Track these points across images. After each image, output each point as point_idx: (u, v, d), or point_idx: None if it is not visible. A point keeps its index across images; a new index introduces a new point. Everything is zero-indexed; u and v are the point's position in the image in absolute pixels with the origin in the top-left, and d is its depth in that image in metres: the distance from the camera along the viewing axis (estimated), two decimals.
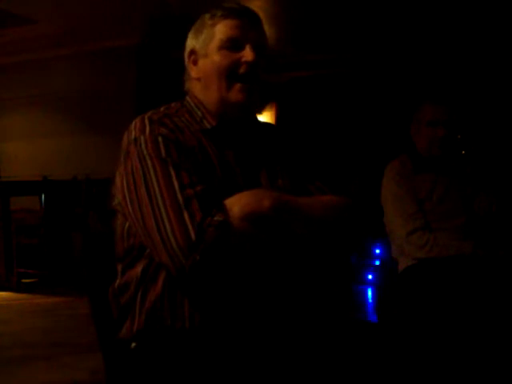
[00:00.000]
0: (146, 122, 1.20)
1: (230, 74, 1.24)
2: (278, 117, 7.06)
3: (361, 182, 6.13)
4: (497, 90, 5.73)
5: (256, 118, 1.41)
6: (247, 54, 1.24)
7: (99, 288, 1.33)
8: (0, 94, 6.61)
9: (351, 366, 1.22)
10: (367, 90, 6.34)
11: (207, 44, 1.27)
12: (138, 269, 1.20)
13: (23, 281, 5.25)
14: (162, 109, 1.29)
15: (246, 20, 1.27)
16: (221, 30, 1.26)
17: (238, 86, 1.24)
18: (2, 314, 4.33)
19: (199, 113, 1.28)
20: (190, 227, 1.06)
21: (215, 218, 1.06)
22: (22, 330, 3.75)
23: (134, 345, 1.20)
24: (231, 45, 1.25)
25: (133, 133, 1.19)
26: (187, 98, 1.33)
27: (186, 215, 1.07)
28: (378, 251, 4.97)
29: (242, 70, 1.24)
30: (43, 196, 5.42)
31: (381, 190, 2.39)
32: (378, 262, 4.95)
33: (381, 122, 6.22)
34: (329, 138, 6.49)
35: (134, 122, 1.22)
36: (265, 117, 6.92)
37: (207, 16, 1.29)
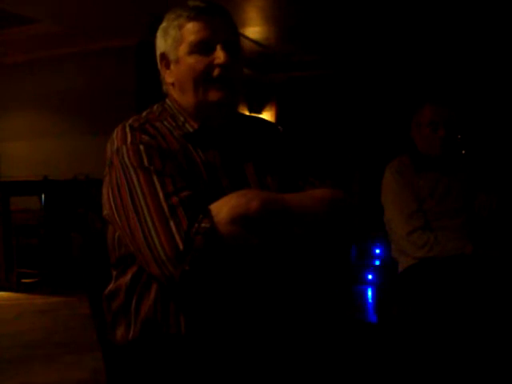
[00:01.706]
0: (127, 130, 1.19)
1: (204, 78, 1.21)
2: (277, 116, 7.06)
3: (361, 182, 6.13)
4: (497, 90, 5.73)
5: (239, 114, 1.38)
6: (219, 55, 1.21)
7: (99, 289, 1.33)
8: (0, 93, 6.61)
9: (351, 366, 1.21)
10: (367, 89, 6.34)
11: (176, 48, 1.24)
12: (129, 276, 1.19)
13: (23, 281, 5.25)
14: (143, 114, 1.27)
15: (213, 19, 1.23)
16: (189, 33, 1.22)
17: (214, 86, 1.22)
18: (1, 313, 4.33)
19: (181, 117, 1.26)
20: (176, 237, 1.04)
21: (202, 225, 1.04)
22: (21, 330, 3.75)
23: (130, 350, 1.19)
24: (201, 48, 1.21)
25: (115, 142, 1.18)
26: (167, 101, 1.31)
27: (172, 224, 1.05)
28: (378, 251, 4.97)
29: (215, 73, 1.21)
30: (43, 196, 5.41)
31: (381, 190, 2.39)
32: (378, 262, 4.95)
33: (381, 121, 6.22)
34: (329, 137, 6.49)
35: (115, 131, 1.21)
36: (265, 116, 6.91)
37: (172, 16, 1.26)
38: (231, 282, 1.12)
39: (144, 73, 5.89)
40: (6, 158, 6.27)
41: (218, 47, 1.21)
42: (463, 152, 2.54)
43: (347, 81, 6.49)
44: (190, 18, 1.22)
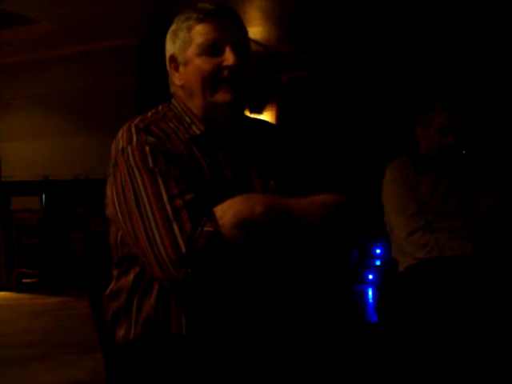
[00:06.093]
0: (133, 130, 1.18)
1: (212, 79, 1.21)
2: (278, 116, 7.05)
3: (362, 182, 6.13)
4: (497, 90, 5.72)
5: (245, 116, 1.38)
6: (228, 57, 1.21)
7: (100, 289, 1.33)
8: (0, 94, 6.62)
9: (351, 366, 1.21)
10: (368, 89, 6.33)
11: (184, 50, 1.24)
12: (131, 276, 1.19)
13: (24, 281, 5.26)
14: (149, 114, 1.26)
15: (223, 21, 1.23)
16: (197, 34, 1.22)
17: (222, 87, 1.22)
18: (2, 313, 4.33)
19: (187, 118, 1.26)
20: (179, 239, 1.04)
21: (205, 229, 1.04)
22: (22, 330, 3.75)
23: (131, 350, 1.19)
24: (210, 50, 1.21)
25: (120, 143, 1.18)
26: (173, 101, 1.31)
27: (175, 227, 1.05)
28: (378, 251, 4.97)
29: (224, 75, 1.21)
30: (44, 196, 5.42)
31: (382, 190, 2.38)
32: (378, 262, 4.94)
33: (382, 121, 6.21)
34: (330, 137, 6.49)
35: (120, 131, 1.20)
36: (265, 116, 6.91)
37: (182, 18, 1.25)
38: (233, 284, 1.12)
39: (145, 73, 5.89)
40: (7, 158, 6.27)
41: (227, 49, 1.21)
42: (463, 152, 2.53)
43: (348, 81, 6.49)
44: (199, 20, 1.22)
